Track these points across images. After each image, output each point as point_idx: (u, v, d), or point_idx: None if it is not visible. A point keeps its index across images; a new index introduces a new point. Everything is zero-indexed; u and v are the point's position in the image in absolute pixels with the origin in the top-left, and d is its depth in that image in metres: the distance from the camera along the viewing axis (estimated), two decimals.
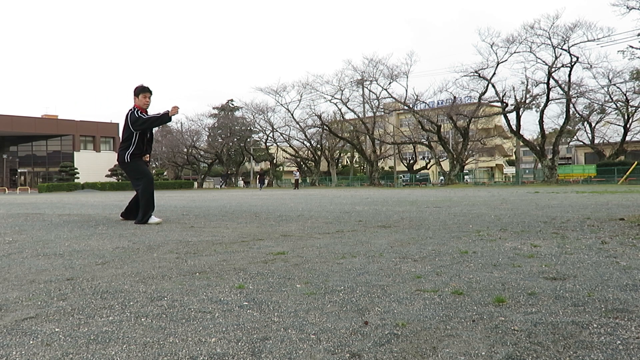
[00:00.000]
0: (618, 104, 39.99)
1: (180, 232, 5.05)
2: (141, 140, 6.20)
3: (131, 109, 6.12)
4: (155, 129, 6.66)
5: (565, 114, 36.97)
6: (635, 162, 35.24)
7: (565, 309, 1.97)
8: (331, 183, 51.02)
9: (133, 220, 6.27)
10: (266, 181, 49.37)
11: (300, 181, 45.64)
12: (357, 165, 67.97)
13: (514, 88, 37.55)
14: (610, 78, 36.76)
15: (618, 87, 37.95)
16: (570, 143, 54.37)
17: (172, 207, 9.84)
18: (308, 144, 53.34)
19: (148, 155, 6.39)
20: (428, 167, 58.33)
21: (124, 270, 2.92)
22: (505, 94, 37.58)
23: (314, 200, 12.51)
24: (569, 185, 30.18)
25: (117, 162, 6.43)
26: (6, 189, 49.77)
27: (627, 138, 41.79)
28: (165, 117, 6.02)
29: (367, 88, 43.40)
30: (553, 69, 34.70)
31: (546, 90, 35.63)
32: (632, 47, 27.80)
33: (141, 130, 6.11)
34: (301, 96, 47.75)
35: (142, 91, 6.17)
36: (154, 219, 6.05)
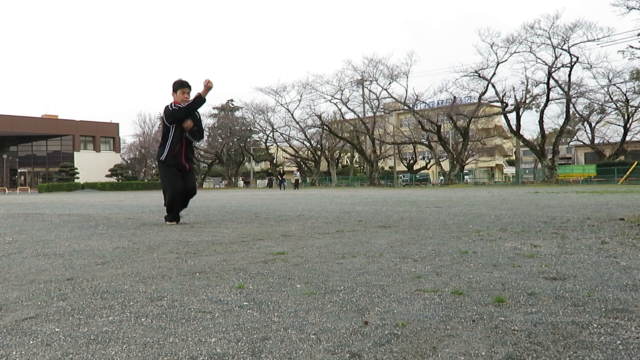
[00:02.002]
0: (618, 104, 40.01)
1: (180, 232, 5.05)
2: (178, 139, 5.84)
3: (167, 105, 5.86)
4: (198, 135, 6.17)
5: (565, 114, 37.00)
6: (635, 162, 35.23)
7: (565, 309, 1.96)
8: (331, 183, 51.02)
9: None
10: (274, 181, 49.07)
11: (300, 181, 45.65)
12: (357, 165, 67.95)
13: (514, 88, 37.59)
14: (610, 78, 36.80)
15: (618, 87, 38.00)
16: (570, 143, 54.40)
17: None
18: (308, 144, 53.34)
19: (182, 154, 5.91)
20: (428, 167, 58.31)
21: (124, 270, 2.92)
22: (505, 94, 37.61)
23: (314, 200, 12.51)
24: (569, 185, 30.18)
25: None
26: (6, 189, 49.78)
27: (627, 138, 41.80)
28: (198, 100, 5.69)
29: (367, 88, 43.41)
30: (553, 69, 34.71)
31: (546, 90, 35.64)
32: (632, 47, 27.80)
33: (177, 122, 5.80)
34: (301, 96, 47.78)
35: (180, 86, 5.83)
36: (168, 223, 5.95)
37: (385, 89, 41.53)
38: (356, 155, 60.46)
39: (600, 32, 36.62)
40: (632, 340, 1.61)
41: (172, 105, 5.81)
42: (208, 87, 5.67)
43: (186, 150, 5.98)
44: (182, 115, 5.76)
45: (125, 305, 2.12)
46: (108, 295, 2.31)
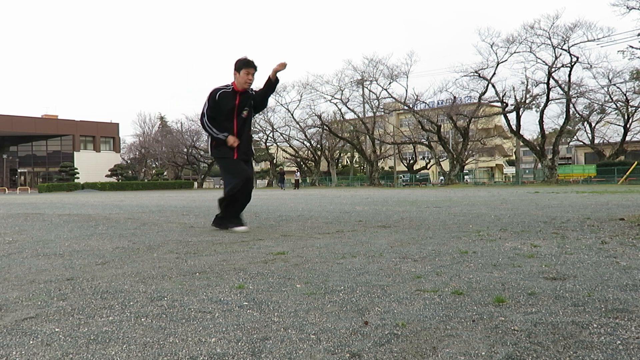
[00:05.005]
0: (618, 104, 40.02)
1: (180, 232, 5.05)
2: (225, 122, 4.94)
3: (213, 91, 4.91)
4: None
5: (565, 114, 36.99)
6: (635, 162, 35.24)
7: (565, 309, 1.96)
8: (331, 183, 51.02)
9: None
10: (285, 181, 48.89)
11: (300, 181, 45.65)
12: (357, 165, 67.97)
13: (514, 88, 37.59)
14: (610, 78, 36.81)
15: (618, 87, 38.01)
16: (570, 143, 54.42)
17: (172, 207, 9.84)
18: (308, 144, 53.34)
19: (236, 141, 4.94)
20: (428, 167, 58.34)
21: (124, 270, 2.92)
22: (505, 94, 37.61)
23: (314, 200, 12.51)
24: (569, 185, 30.18)
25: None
26: (6, 189, 49.80)
27: (627, 138, 41.82)
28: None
29: (367, 88, 43.41)
30: (553, 69, 34.71)
31: (546, 90, 35.64)
32: (632, 47, 27.83)
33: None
34: (301, 96, 47.74)
35: (244, 66, 4.84)
36: (240, 227, 4.94)
37: (385, 89, 41.55)
38: (356, 155, 60.47)
39: (600, 32, 36.67)
40: (632, 340, 1.61)
41: (215, 96, 4.87)
42: (279, 67, 4.76)
43: (239, 136, 5.01)
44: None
45: (125, 305, 2.12)
46: (108, 295, 2.31)
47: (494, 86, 37.43)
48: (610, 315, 1.88)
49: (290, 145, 54.85)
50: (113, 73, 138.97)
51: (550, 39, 33.76)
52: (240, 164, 5.00)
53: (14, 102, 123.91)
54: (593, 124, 45.14)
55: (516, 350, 1.53)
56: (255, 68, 4.88)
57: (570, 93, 35.16)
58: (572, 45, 33.72)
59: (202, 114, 4.97)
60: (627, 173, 34.27)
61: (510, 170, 67.19)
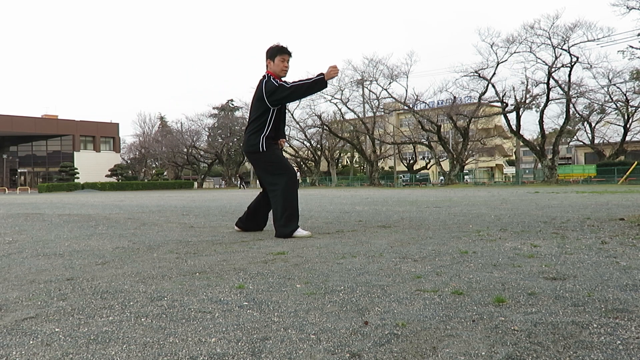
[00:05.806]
0: (618, 104, 40.01)
1: (180, 232, 5.05)
2: (278, 119, 4.60)
3: (264, 77, 4.53)
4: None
5: (565, 114, 36.97)
6: (635, 162, 35.23)
7: (565, 309, 1.96)
8: (331, 183, 51.02)
9: (254, 232, 5.05)
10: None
11: (300, 181, 45.62)
12: (357, 165, 67.98)
13: (514, 88, 37.55)
14: (610, 78, 36.79)
15: (618, 87, 37.99)
16: (570, 143, 54.43)
17: (172, 207, 9.84)
18: (308, 144, 53.34)
19: (283, 140, 4.82)
20: (428, 167, 58.36)
21: (124, 270, 2.92)
22: (505, 94, 37.58)
23: (314, 200, 12.51)
24: (569, 185, 30.17)
25: (247, 151, 4.64)
26: (6, 189, 49.80)
27: (627, 138, 41.81)
28: (319, 83, 4.35)
29: (367, 88, 43.38)
30: (553, 69, 34.70)
31: (546, 90, 35.62)
32: (632, 47, 27.87)
33: (283, 103, 4.55)
34: None
35: (280, 52, 4.52)
36: (301, 231, 4.55)
37: (385, 89, 41.50)
38: (356, 155, 60.46)
39: (600, 32, 36.65)
40: (632, 340, 1.61)
41: (272, 78, 4.48)
42: (334, 74, 4.33)
43: (281, 135, 4.78)
44: (293, 98, 4.57)
45: (125, 305, 2.12)
46: (108, 295, 2.31)
47: (494, 86, 37.44)
48: (610, 315, 1.87)
49: (290, 145, 54.86)
50: (113, 73, 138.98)
51: (550, 39, 33.78)
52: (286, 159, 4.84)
53: (14, 102, 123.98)
54: (593, 124, 45.15)
55: (516, 350, 1.53)
56: (290, 54, 4.56)
57: (570, 93, 35.16)
58: (572, 45, 33.74)
59: (282, 88, 4.42)
60: (627, 173, 34.26)
61: (510, 170, 67.20)
